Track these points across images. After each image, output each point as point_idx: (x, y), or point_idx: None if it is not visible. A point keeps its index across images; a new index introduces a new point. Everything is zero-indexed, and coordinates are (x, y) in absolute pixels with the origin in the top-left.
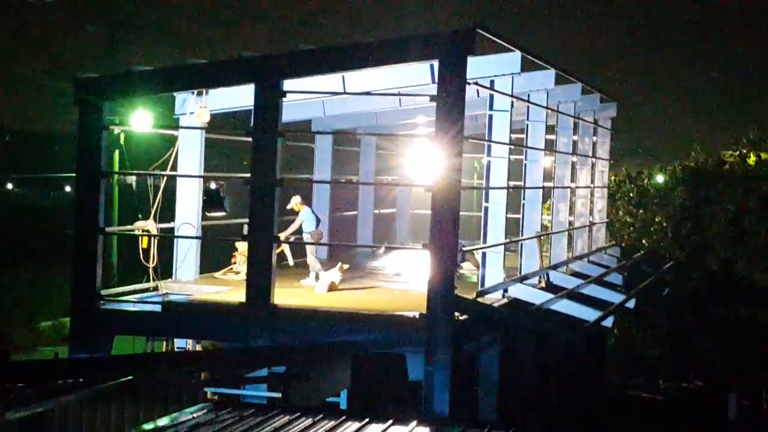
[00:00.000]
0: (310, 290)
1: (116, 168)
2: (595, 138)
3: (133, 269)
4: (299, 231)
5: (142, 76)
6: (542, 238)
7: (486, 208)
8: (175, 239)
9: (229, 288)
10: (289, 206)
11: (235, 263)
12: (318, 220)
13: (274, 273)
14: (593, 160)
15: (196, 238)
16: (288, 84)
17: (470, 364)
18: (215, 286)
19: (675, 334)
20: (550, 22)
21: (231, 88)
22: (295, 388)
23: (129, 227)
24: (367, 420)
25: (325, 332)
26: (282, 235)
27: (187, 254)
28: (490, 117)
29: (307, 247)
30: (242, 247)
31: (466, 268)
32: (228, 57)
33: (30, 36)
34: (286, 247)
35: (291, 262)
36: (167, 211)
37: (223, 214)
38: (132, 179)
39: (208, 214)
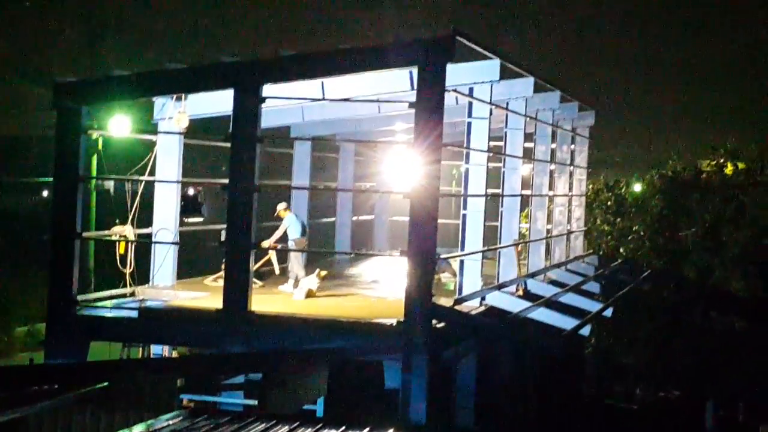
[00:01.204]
0: (287, 297)
1: (94, 173)
2: (573, 146)
3: (110, 274)
4: (284, 238)
5: (121, 81)
6: (520, 246)
7: (464, 216)
8: (153, 245)
9: (206, 294)
10: (276, 213)
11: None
12: (304, 228)
13: (252, 279)
14: (571, 168)
15: (174, 243)
16: (267, 90)
17: (448, 372)
18: (192, 292)
19: (652, 343)
20: (528, 30)
21: (210, 93)
22: (271, 395)
23: (106, 232)
24: (344, 428)
25: (303, 339)
26: (266, 243)
27: (164, 260)
28: (469, 124)
29: (292, 254)
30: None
31: (444, 276)
32: (207, 62)
33: (7, 37)
34: (273, 255)
35: (277, 270)
36: (145, 217)
37: (201, 219)
38: (110, 184)
39: (186, 220)
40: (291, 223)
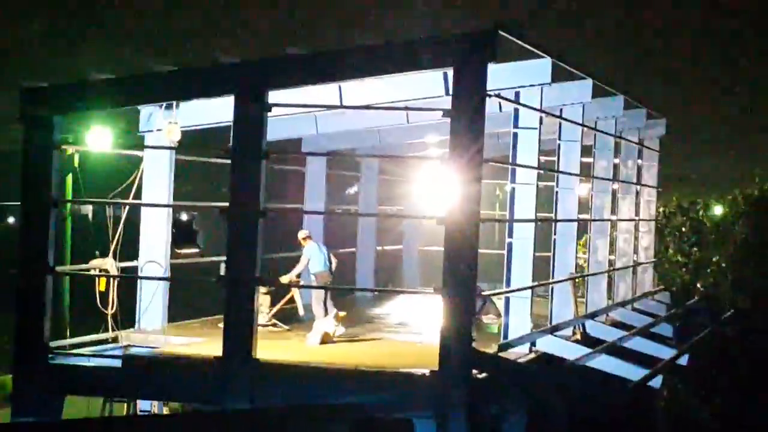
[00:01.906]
0: (299, 342)
1: (69, 195)
2: (640, 161)
3: (88, 316)
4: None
5: (101, 86)
6: (577, 280)
7: (510, 245)
8: (139, 281)
9: (202, 339)
10: (296, 241)
11: None
12: (329, 260)
13: (257, 321)
14: (638, 187)
15: (164, 279)
16: (274, 96)
17: None
18: (186, 337)
19: (735, 397)
20: (585, 24)
21: (207, 100)
22: None
23: (84, 266)
24: None
25: (318, 393)
26: (284, 278)
27: (152, 299)
28: (515, 135)
29: (313, 291)
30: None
31: (487, 317)
32: (203, 63)
33: None
34: (296, 293)
35: (302, 311)
36: (130, 248)
37: (197, 250)
38: (88, 209)
39: (178, 251)
40: (312, 253)
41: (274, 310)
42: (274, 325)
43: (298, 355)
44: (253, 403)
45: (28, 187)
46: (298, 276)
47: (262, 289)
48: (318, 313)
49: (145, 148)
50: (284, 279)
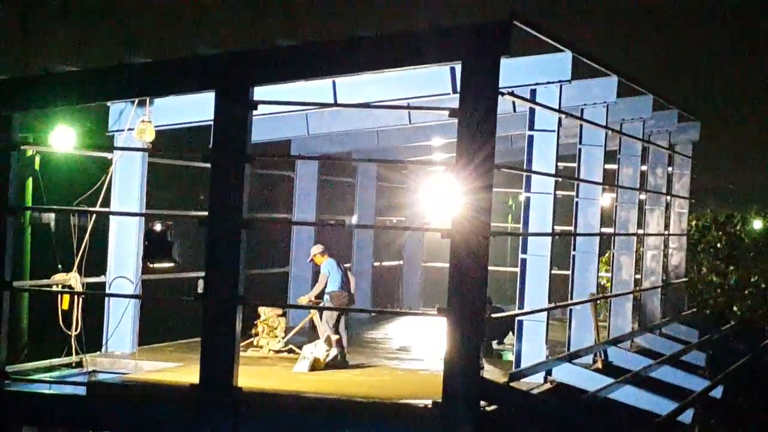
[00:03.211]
0: (286, 369)
1: (29, 202)
2: (670, 169)
3: (49, 338)
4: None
5: (65, 80)
6: (599, 302)
7: (523, 261)
8: (107, 298)
9: (178, 364)
10: (308, 259)
11: (256, 335)
12: (345, 278)
13: (238, 344)
14: (668, 198)
15: (135, 297)
16: (260, 92)
17: None
18: (159, 362)
19: None
20: (611, 16)
21: (184, 96)
22: None
23: (45, 282)
24: None
25: (306, 426)
26: (304, 299)
27: (122, 319)
28: (531, 139)
29: (324, 312)
30: (267, 313)
31: (497, 344)
32: (180, 55)
33: None
34: (316, 316)
35: (323, 336)
36: (97, 261)
37: (172, 264)
38: (50, 217)
39: (150, 265)
40: (330, 270)
41: (293, 333)
42: (291, 351)
43: (285, 383)
44: None
45: None
46: (319, 297)
47: (278, 311)
48: (323, 332)
49: (115, 149)
50: (303, 300)
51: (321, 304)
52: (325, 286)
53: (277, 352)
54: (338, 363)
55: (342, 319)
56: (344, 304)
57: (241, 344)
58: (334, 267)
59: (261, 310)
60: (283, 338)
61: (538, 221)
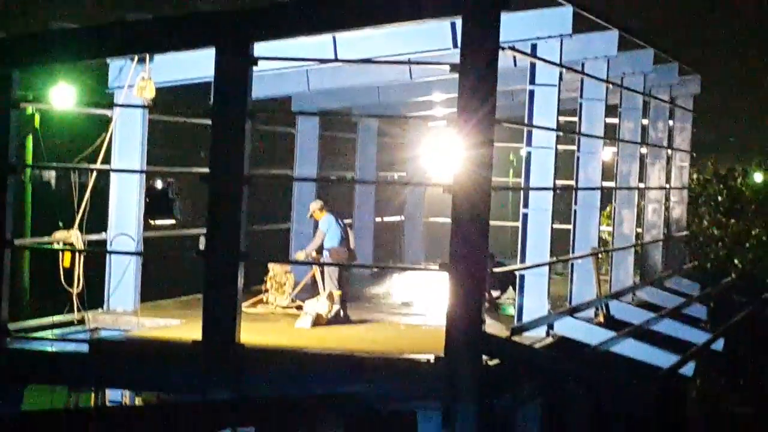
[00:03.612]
0: (289, 324)
1: (29, 159)
2: (671, 122)
3: (51, 295)
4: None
5: (65, 37)
6: (600, 256)
7: (525, 216)
8: (108, 256)
9: (179, 321)
10: (308, 214)
11: (266, 291)
12: (344, 234)
13: (240, 301)
14: (669, 152)
15: (136, 254)
16: (260, 48)
17: (503, 426)
18: (161, 319)
19: None
20: None
21: (184, 53)
22: None
23: (46, 239)
24: None
25: (309, 381)
26: (301, 254)
27: (123, 276)
28: (531, 93)
29: (326, 268)
30: (276, 269)
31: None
32: (180, 11)
33: None
34: (318, 272)
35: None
36: (98, 218)
37: (173, 222)
38: (51, 175)
39: (152, 222)
40: (329, 227)
41: (297, 290)
42: (298, 307)
43: (287, 339)
44: (237, 392)
45: None
46: (319, 252)
47: (286, 268)
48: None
49: (115, 106)
50: (300, 255)
51: (320, 260)
52: (323, 243)
53: (285, 308)
54: (340, 319)
55: (342, 275)
56: (344, 260)
57: (251, 300)
58: (333, 223)
59: (270, 266)
60: (290, 294)
61: (540, 176)
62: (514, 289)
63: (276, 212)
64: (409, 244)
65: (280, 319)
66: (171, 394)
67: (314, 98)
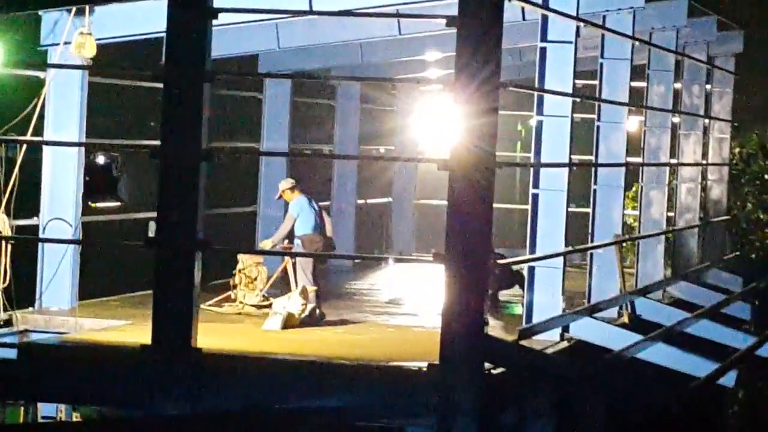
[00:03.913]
0: (254, 326)
1: None
2: (708, 87)
3: None
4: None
5: None
6: (625, 245)
7: (535, 197)
8: (41, 244)
9: (126, 322)
10: (277, 195)
11: (235, 287)
12: (319, 219)
13: (197, 297)
14: (706, 121)
15: (74, 242)
16: None
17: None
18: (103, 320)
19: None
20: None
21: (130, 4)
22: None
23: None
24: None
25: (279, 393)
26: (267, 242)
27: (59, 269)
28: (543, 52)
29: (298, 260)
30: (245, 261)
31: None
32: None
33: None
34: (289, 263)
35: (295, 287)
36: (28, 200)
37: (117, 204)
38: None
39: (93, 205)
40: (301, 210)
41: (267, 285)
42: (271, 305)
43: (254, 343)
44: (193, 406)
45: None
46: (290, 240)
47: (257, 259)
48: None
49: (48, 67)
50: (267, 243)
51: (292, 250)
52: (294, 229)
53: (256, 306)
54: (315, 319)
55: (317, 268)
56: (319, 250)
57: (217, 298)
58: (306, 206)
59: (239, 258)
60: (261, 290)
61: (553, 150)
62: (521, 286)
63: (240, 193)
64: (397, 230)
65: (245, 319)
66: (114, 408)
67: (285, 58)
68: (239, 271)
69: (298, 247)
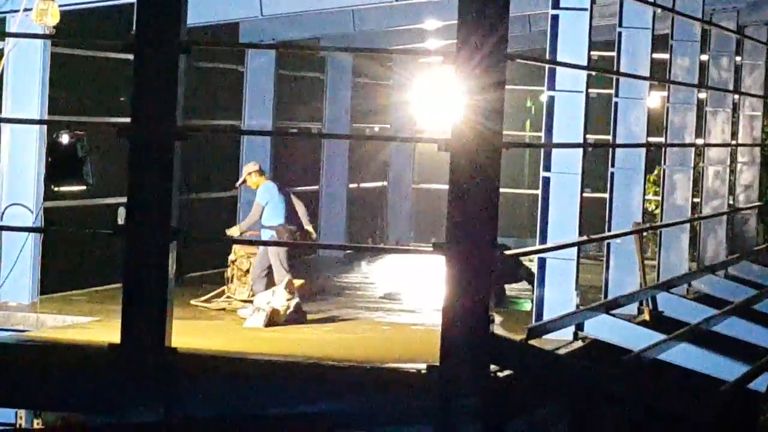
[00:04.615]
0: (235, 323)
1: None
2: (739, 59)
3: None
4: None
5: None
6: (645, 234)
7: (546, 181)
8: None
9: (92, 319)
10: (239, 181)
11: (230, 281)
12: (290, 207)
13: (171, 291)
14: (736, 97)
15: (35, 230)
16: None
17: None
18: (67, 315)
19: None
20: None
21: None
22: None
23: None
24: None
25: (261, 398)
26: (234, 230)
27: (18, 260)
28: (555, 20)
29: (270, 250)
30: (238, 252)
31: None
32: None
33: None
34: (272, 254)
35: (279, 278)
36: None
37: (83, 188)
38: None
39: (55, 189)
40: (269, 197)
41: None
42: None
43: (234, 342)
44: (166, 412)
45: None
46: (252, 229)
47: (249, 250)
48: (280, 281)
49: (6, 36)
50: (234, 231)
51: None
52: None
53: (246, 302)
54: (301, 315)
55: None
56: (290, 238)
57: (212, 294)
58: (275, 194)
59: (234, 249)
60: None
61: (566, 128)
62: (530, 282)
63: (219, 177)
64: (393, 218)
65: (226, 316)
66: (80, 414)
67: (269, 26)
68: (232, 262)
69: (272, 236)
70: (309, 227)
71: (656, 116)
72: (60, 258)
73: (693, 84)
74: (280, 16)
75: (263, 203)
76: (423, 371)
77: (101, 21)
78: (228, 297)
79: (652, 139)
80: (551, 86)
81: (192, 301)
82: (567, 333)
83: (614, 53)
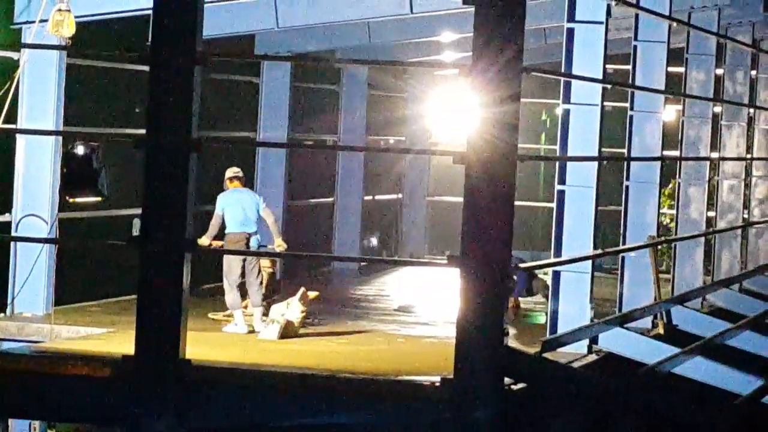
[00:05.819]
0: (251, 337)
1: None
2: (754, 73)
3: None
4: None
5: None
6: (660, 248)
7: (561, 194)
8: (13, 243)
9: (106, 330)
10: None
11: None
12: (246, 215)
13: (186, 303)
14: (751, 111)
15: (50, 241)
16: None
17: None
18: (82, 327)
19: None
20: None
21: None
22: None
23: None
24: None
25: (276, 411)
26: (205, 239)
27: (33, 270)
28: (571, 33)
29: (223, 265)
30: (261, 264)
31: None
32: None
33: None
34: (263, 264)
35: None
36: (0, 195)
37: (98, 199)
38: None
39: (71, 200)
40: (224, 205)
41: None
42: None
43: (248, 354)
44: (180, 424)
45: None
46: (215, 237)
47: (267, 262)
48: (229, 300)
49: (23, 47)
50: (204, 240)
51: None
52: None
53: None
54: (315, 324)
55: (256, 274)
56: (241, 246)
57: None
58: (230, 202)
59: (264, 262)
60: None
61: (581, 141)
62: (545, 295)
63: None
64: (408, 230)
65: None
66: (93, 425)
67: (285, 38)
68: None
69: (225, 244)
70: (278, 239)
71: (671, 130)
72: (75, 269)
73: (708, 98)
74: (296, 28)
75: (219, 212)
76: (437, 384)
77: (117, 32)
78: (245, 308)
79: (667, 153)
80: (566, 99)
81: (210, 315)
82: (581, 346)
83: (629, 67)
